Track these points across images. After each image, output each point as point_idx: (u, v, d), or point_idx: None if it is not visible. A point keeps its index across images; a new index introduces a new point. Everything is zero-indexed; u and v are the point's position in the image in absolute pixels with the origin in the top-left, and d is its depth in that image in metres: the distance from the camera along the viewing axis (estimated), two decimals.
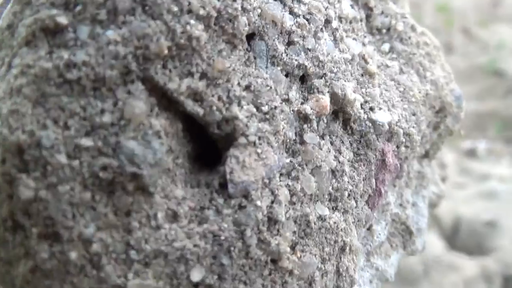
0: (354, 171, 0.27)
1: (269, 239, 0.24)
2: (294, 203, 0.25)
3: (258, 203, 0.23)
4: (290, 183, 0.24)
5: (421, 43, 0.31)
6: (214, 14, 0.23)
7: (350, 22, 0.28)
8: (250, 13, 0.24)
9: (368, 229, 0.30)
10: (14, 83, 0.22)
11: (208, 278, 0.23)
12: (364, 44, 0.29)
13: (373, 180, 0.28)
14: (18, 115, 0.21)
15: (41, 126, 0.21)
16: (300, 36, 0.25)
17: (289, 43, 0.25)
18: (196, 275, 0.23)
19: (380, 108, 0.27)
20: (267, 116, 0.24)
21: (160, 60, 0.22)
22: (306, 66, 0.25)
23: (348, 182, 0.26)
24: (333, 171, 0.26)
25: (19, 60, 0.22)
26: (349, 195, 0.26)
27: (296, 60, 0.25)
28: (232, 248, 0.23)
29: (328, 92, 0.26)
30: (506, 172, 1.18)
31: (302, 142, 0.25)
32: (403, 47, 0.30)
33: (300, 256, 0.25)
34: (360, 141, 0.27)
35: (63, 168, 0.21)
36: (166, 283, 0.22)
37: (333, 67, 0.26)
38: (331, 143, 0.26)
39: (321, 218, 0.25)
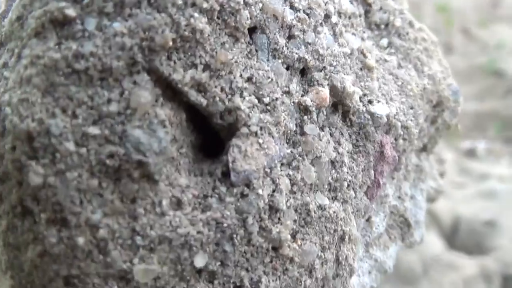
0: (353, 162, 0.27)
1: (270, 227, 0.24)
2: (295, 193, 0.25)
3: (260, 191, 0.24)
4: (290, 173, 0.25)
5: (419, 38, 0.31)
6: (217, 7, 0.24)
7: (349, 18, 0.29)
8: (252, 7, 0.25)
9: (367, 220, 0.31)
10: (24, 73, 0.22)
11: (211, 264, 0.23)
12: (363, 39, 0.29)
13: (372, 172, 0.28)
14: (28, 104, 0.22)
15: (50, 115, 0.22)
16: (301, 30, 0.26)
17: (290, 37, 0.26)
18: (199, 261, 0.23)
19: (379, 101, 0.28)
20: (269, 108, 0.25)
21: (165, 51, 0.23)
22: (306, 59, 0.26)
23: (347, 172, 0.27)
24: (332, 162, 0.26)
25: (29, 51, 0.22)
26: (348, 185, 0.27)
27: (296, 53, 0.26)
28: (234, 235, 0.24)
29: (328, 84, 0.27)
30: (506, 172, 1.18)
31: (303, 133, 0.26)
32: (401, 42, 0.31)
33: (301, 244, 0.25)
34: (359, 133, 0.28)
35: (71, 156, 0.22)
36: (170, 268, 0.23)
37: (333, 60, 0.27)
38: (331, 135, 0.27)
39: (321, 207, 0.26)
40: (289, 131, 0.25)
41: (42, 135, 0.22)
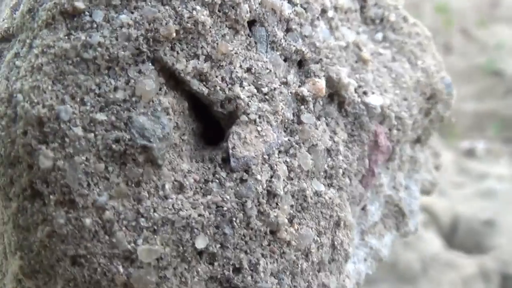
0: (348, 151, 0.28)
1: (268, 211, 0.25)
2: (292, 179, 0.26)
3: (258, 177, 0.25)
4: (288, 160, 0.26)
5: (413, 33, 0.33)
6: (218, 1, 0.25)
7: (345, 12, 0.30)
8: (251, 1, 0.26)
9: (363, 209, 0.32)
10: (35, 62, 0.23)
11: (211, 246, 0.25)
12: (358, 33, 0.31)
13: (366, 160, 0.29)
14: (39, 91, 0.23)
15: (59, 101, 0.23)
16: (298, 24, 0.27)
17: (288, 30, 0.27)
18: (200, 243, 0.24)
19: (373, 93, 0.29)
20: (267, 97, 0.26)
21: (168, 42, 0.24)
22: (303, 52, 0.27)
23: (343, 160, 0.28)
24: (328, 150, 0.28)
25: (40, 41, 0.24)
26: (343, 173, 0.28)
27: (294, 45, 0.27)
28: (234, 219, 0.25)
29: (324, 76, 0.28)
30: (505, 172, 1.19)
31: (300, 122, 0.27)
32: (395, 36, 0.32)
33: (297, 229, 0.26)
34: (354, 123, 0.29)
35: (79, 140, 0.23)
36: (172, 249, 0.24)
37: (329, 53, 0.28)
38: (327, 124, 0.28)
39: (317, 193, 0.27)
40: (286, 120, 0.27)
41: (52, 121, 0.23)
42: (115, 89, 0.23)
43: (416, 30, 0.33)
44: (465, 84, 1.25)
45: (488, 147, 1.25)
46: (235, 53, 0.25)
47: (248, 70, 0.26)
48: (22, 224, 0.24)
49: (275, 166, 0.26)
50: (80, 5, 0.24)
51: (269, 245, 0.26)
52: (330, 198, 0.27)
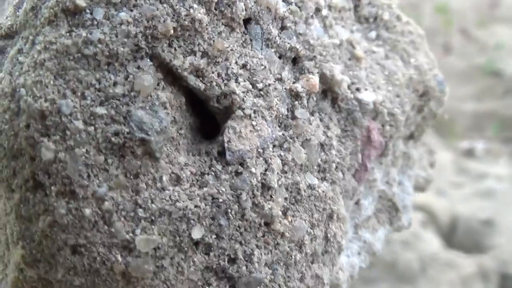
0: (341, 146, 0.29)
1: (262, 203, 0.26)
2: (286, 172, 0.27)
3: (253, 170, 0.26)
4: (282, 154, 0.27)
5: (406, 31, 0.33)
6: None
7: (339, 11, 0.31)
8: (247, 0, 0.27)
9: (356, 203, 0.33)
10: (38, 58, 0.24)
11: (207, 236, 0.25)
12: (352, 32, 0.31)
13: (359, 155, 0.30)
14: (41, 85, 0.24)
15: (61, 96, 0.24)
16: (292, 22, 0.28)
17: (282, 28, 0.28)
18: (196, 233, 0.25)
19: (366, 89, 0.30)
20: (262, 93, 0.27)
21: (166, 39, 0.25)
22: (297, 49, 0.28)
23: (336, 155, 0.29)
24: (321, 145, 0.28)
25: (42, 37, 0.25)
26: (336, 167, 0.29)
27: (288, 43, 0.28)
28: (229, 210, 0.26)
29: (318, 73, 0.28)
30: (504, 172, 1.19)
31: (294, 117, 0.28)
32: (388, 35, 0.33)
33: (291, 221, 0.27)
34: (347, 119, 0.30)
35: (80, 133, 0.24)
36: (169, 239, 0.25)
37: (323, 50, 0.29)
38: (320, 120, 0.29)
39: (310, 186, 0.28)
40: (281, 115, 0.27)
41: (54, 114, 0.24)
42: (115, 84, 0.24)
43: (409, 29, 0.34)
44: (464, 84, 1.26)
45: (488, 147, 1.25)
46: (231, 50, 0.26)
47: (244, 66, 0.26)
48: (24, 214, 0.25)
49: (270, 160, 0.27)
50: (81, 3, 0.24)
51: (263, 236, 0.26)
52: (323, 191, 0.28)
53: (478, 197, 1.14)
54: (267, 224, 0.26)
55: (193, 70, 0.26)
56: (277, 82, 0.27)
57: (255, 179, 0.26)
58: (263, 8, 0.27)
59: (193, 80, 0.26)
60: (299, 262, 0.27)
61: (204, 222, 0.25)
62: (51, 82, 0.24)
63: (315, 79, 0.28)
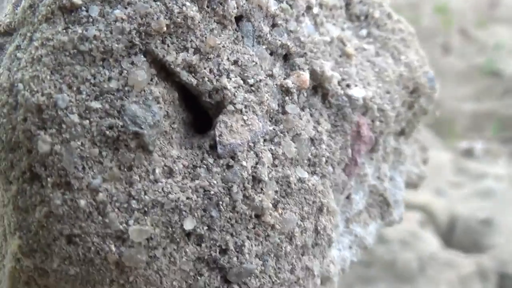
0: (331, 140, 0.30)
1: (253, 195, 0.27)
2: (276, 166, 0.28)
3: (244, 163, 0.27)
4: (272, 148, 0.28)
5: (396, 29, 0.34)
6: None
7: (330, 9, 0.32)
8: None
9: (347, 197, 0.33)
10: (35, 54, 0.25)
11: (199, 228, 0.26)
12: (343, 29, 0.32)
13: (349, 150, 0.31)
14: (38, 80, 0.25)
15: (57, 90, 0.25)
16: (283, 19, 0.29)
17: (273, 25, 0.29)
18: (188, 225, 0.26)
19: (356, 85, 0.31)
20: (253, 88, 0.28)
21: (159, 36, 0.26)
22: (288, 46, 0.29)
23: (326, 149, 0.30)
24: (312, 139, 0.29)
25: (40, 34, 0.25)
26: (326, 161, 0.30)
27: (279, 40, 0.29)
28: (220, 202, 0.26)
29: (308, 69, 0.29)
30: (503, 172, 1.20)
31: (284, 112, 0.28)
32: (379, 32, 0.33)
33: (281, 213, 0.28)
34: (337, 114, 0.30)
35: (75, 127, 0.25)
36: (162, 230, 0.26)
37: (313, 47, 0.30)
38: (311, 115, 0.29)
39: (300, 180, 0.28)
40: (271, 110, 0.28)
41: (50, 108, 0.25)
42: (109, 79, 0.25)
43: (399, 27, 0.34)
44: (464, 84, 1.26)
45: (487, 147, 1.25)
46: (222, 46, 0.27)
47: (235, 62, 0.27)
48: (21, 205, 0.26)
49: (260, 154, 0.27)
50: (77, 1, 0.25)
51: (254, 228, 0.27)
52: (313, 185, 0.29)
53: (477, 197, 1.15)
54: (257, 216, 0.27)
55: (186, 66, 0.26)
56: (268, 78, 0.28)
57: (246, 172, 0.27)
58: (255, 6, 0.28)
59: (185, 76, 0.26)
60: (289, 254, 0.28)
61: (196, 214, 0.26)
62: (48, 77, 0.25)
63: (305, 75, 0.29)
